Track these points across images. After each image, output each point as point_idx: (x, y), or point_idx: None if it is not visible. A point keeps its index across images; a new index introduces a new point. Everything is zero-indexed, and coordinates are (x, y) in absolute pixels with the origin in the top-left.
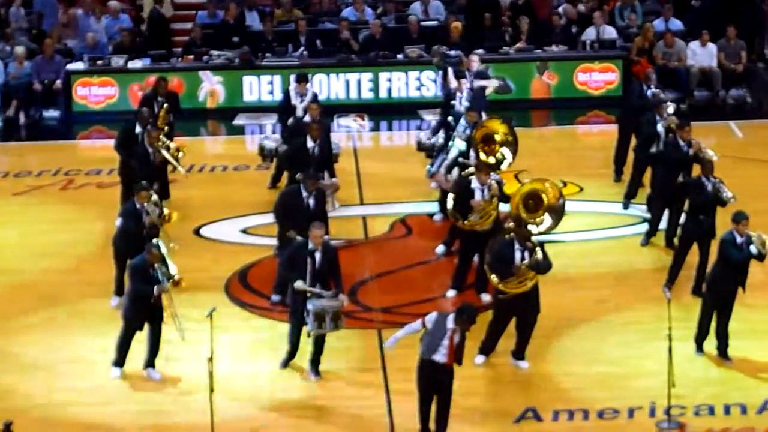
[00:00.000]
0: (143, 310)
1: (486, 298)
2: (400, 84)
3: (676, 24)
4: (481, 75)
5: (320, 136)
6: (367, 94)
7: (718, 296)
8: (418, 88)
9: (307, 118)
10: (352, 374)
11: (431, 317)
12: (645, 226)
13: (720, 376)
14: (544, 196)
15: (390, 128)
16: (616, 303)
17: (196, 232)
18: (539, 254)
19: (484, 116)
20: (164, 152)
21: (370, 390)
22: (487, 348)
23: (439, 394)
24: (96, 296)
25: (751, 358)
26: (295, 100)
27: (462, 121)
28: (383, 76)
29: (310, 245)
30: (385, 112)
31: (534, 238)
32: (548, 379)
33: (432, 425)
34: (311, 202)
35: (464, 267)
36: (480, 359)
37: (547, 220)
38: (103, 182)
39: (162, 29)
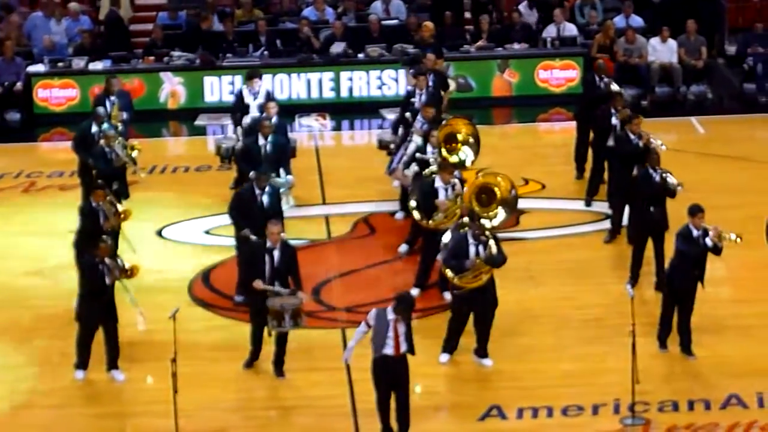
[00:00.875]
0: (96, 308)
1: (449, 296)
2: (362, 83)
3: (637, 20)
4: (440, 74)
5: (274, 133)
6: (328, 94)
7: (677, 291)
8: (380, 87)
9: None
10: (316, 374)
11: (372, 314)
12: (608, 223)
13: (684, 372)
14: (496, 189)
15: (352, 127)
16: (580, 300)
17: (159, 233)
18: (493, 248)
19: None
20: (119, 152)
21: (334, 389)
22: (450, 346)
23: (396, 389)
24: (58, 299)
25: (714, 354)
26: (248, 99)
27: (419, 117)
28: (344, 75)
29: (268, 243)
30: (346, 111)
31: (488, 232)
32: (512, 377)
33: (394, 424)
34: (265, 199)
35: (427, 265)
36: (444, 358)
37: (500, 213)
38: (65, 184)
39: (120, 31)
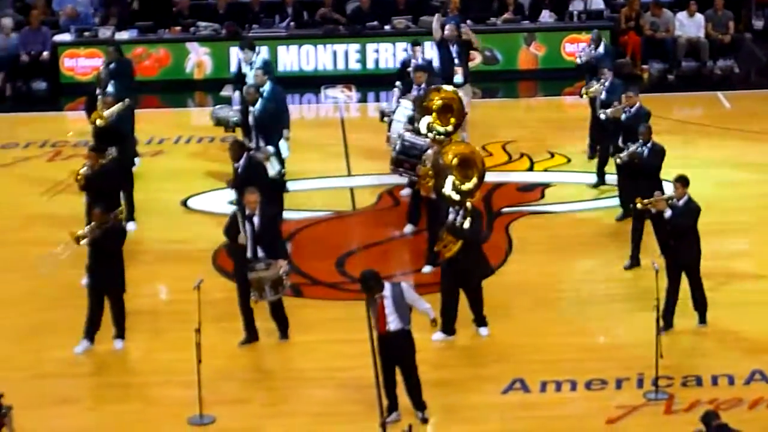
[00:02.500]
0: (92, 275)
1: None
2: (388, 55)
3: None
4: (466, 42)
5: (262, 100)
6: (354, 65)
7: (675, 262)
8: None
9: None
10: (338, 345)
11: None
12: None
13: (707, 347)
14: (477, 163)
15: (377, 99)
16: (604, 273)
17: (184, 203)
18: (466, 221)
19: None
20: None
21: (356, 361)
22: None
23: (399, 365)
24: (82, 268)
25: (737, 329)
26: (245, 68)
27: (415, 85)
28: (370, 47)
29: (247, 210)
30: (372, 82)
31: (468, 204)
32: (535, 350)
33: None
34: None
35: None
36: (439, 336)
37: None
38: None
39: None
